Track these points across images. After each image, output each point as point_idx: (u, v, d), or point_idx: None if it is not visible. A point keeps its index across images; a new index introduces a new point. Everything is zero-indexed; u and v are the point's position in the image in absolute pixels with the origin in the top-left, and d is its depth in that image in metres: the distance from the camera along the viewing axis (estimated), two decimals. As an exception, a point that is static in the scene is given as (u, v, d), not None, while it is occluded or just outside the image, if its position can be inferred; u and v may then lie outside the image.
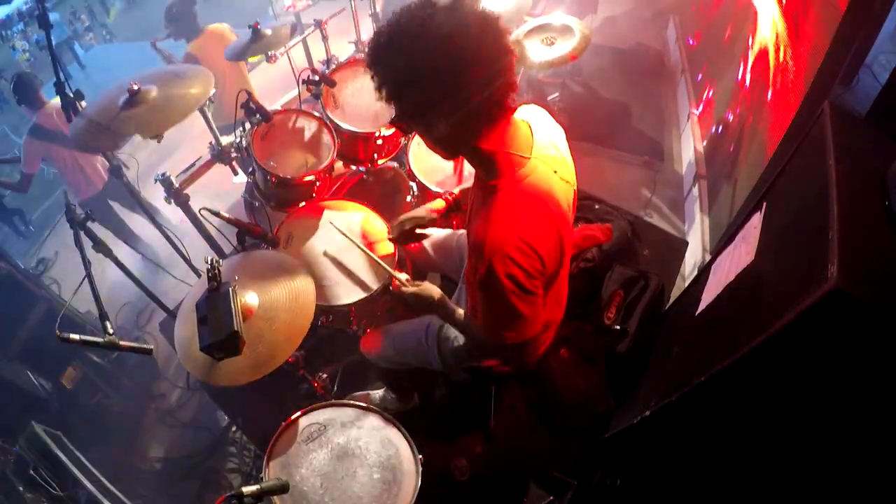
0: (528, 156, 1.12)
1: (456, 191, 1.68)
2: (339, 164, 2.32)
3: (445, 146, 1.15)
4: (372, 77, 1.05)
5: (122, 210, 3.18)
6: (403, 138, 2.23)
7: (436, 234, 1.88)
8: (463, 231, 1.87)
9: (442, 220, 1.67)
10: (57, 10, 8.67)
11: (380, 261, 1.65)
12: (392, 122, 1.14)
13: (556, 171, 1.17)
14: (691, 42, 4.15)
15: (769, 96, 2.36)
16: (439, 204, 1.65)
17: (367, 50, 1.06)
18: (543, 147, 1.17)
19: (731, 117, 2.98)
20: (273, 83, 3.76)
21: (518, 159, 1.11)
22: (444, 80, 0.98)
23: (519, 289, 1.08)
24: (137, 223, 3.22)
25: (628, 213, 2.61)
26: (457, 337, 1.56)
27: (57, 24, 8.50)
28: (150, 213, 2.27)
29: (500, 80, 1.02)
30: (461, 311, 1.39)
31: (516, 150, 1.11)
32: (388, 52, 1.01)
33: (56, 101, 2.77)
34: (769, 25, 2.50)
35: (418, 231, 1.64)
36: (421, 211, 1.64)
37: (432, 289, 1.44)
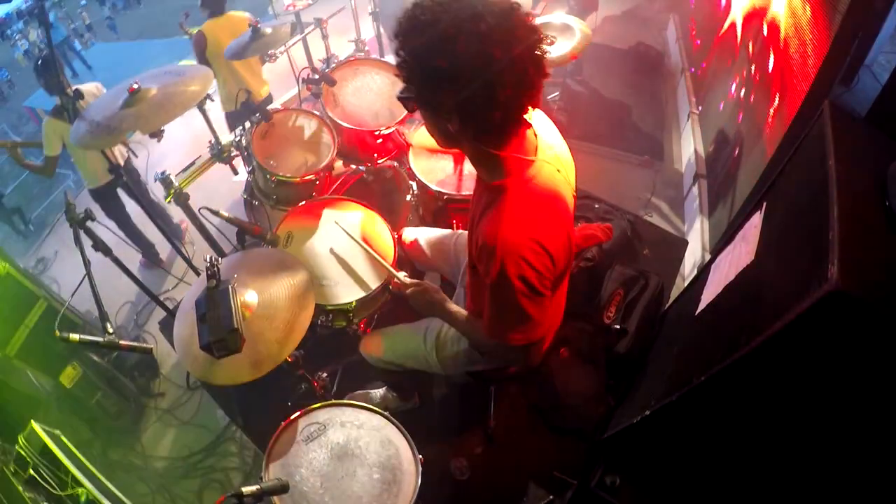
0: (533, 157, 1.11)
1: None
2: (338, 163, 2.32)
3: (441, 136, 1.12)
4: (398, 53, 1.00)
5: (127, 201, 3.16)
6: (403, 138, 2.23)
7: (433, 233, 1.87)
8: (461, 232, 1.86)
9: (441, 221, 1.66)
10: (52, 10, 8.67)
11: (380, 258, 1.65)
12: (400, 97, 1.09)
13: (559, 171, 1.16)
14: (697, 42, 4.14)
15: (769, 96, 2.36)
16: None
17: (403, 23, 0.98)
18: (547, 147, 1.17)
19: (731, 117, 2.98)
20: (273, 82, 3.76)
21: (525, 161, 1.10)
22: (446, 78, 0.95)
23: (530, 290, 1.07)
24: (141, 222, 3.21)
25: (628, 213, 2.61)
26: (456, 341, 1.56)
27: (54, 25, 8.51)
28: (152, 213, 2.27)
29: (529, 95, 1.00)
30: (463, 312, 1.39)
31: (523, 152, 1.11)
32: (409, 28, 0.96)
33: (81, 85, 2.78)
34: (769, 25, 2.50)
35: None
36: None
37: (433, 288, 1.44)
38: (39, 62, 2.73)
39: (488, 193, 1.14)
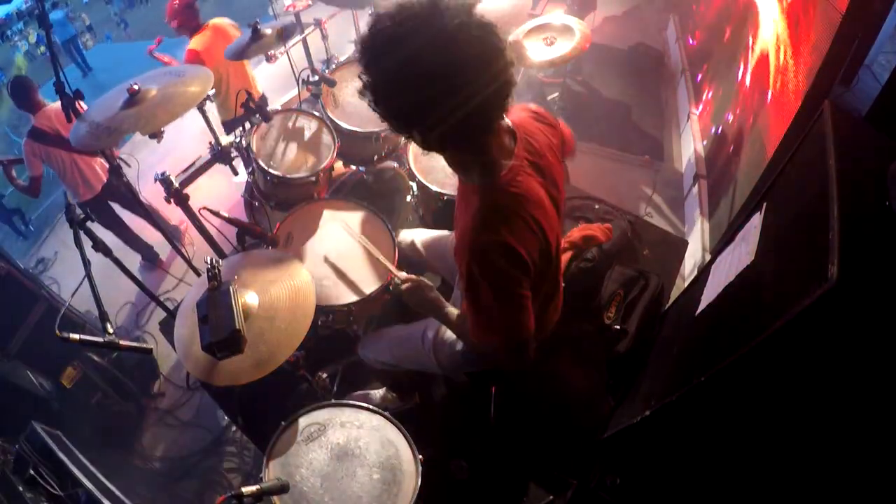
0: (509, 160, 1.11)
1: None
2: (338, 164, 2.32)
3: (420, 144, 1.12)
4: (360, 75, 1.01)
5: (121, 211, 3.17)
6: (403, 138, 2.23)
7: (429, 234, 1.87)
8: None
9: (442, 222, 1.66)
10: (60, 8, 8.67)
11: (380, 256, 1.65)
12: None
13: (540, 175, 1.15)
14: (691, 42, 4.15)
15: (769, 96, 2.36)
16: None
17: (361, 43, 1.00)
18: (527, 153, 1.15)
19: (731, 117, 2.98)
20: (273, 83, 3.76)
21: (500, 163, 1.10)
22: (438, 87, 0.95)
23: (501, 291, 1.06)
24: (138, 224, 3.22)
25: (628, 213, 2.61)
26: (454, 342, 1.56)
27: (62, 23, 8.50)
28: (150, 215, 2.27)
29: (497, 95, 1.00)
30: (455, 311, 1.38)
31: (499, 155, 1.10)
32: (384, 48, 0.97)
33: (55, 104, 2.81)
34: (770, 25, 2.50)
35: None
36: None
37: (427, 285, 1.43)
38: (10, 84, 2.76)
39: (466, 196, 1.15)
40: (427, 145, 1.07)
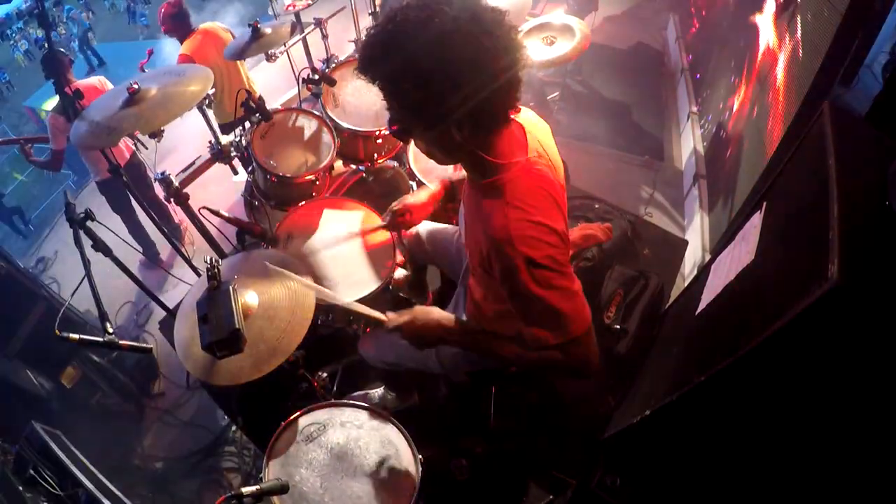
0: (523, 156, 1.11)
1: (454, 178, 1.68)
2: (338, 163, 2.32)
3: (443, 151, 1.12)
4: (373, 80, 1.01)
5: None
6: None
7: (434, 226, 1.87)
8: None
9: (441, 221, 1.66)
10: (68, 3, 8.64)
11: (362, 308, 1.32)
12: (389, 126, 1.10)
13: (550, 169, 1.16)
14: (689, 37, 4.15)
15: (769, 96, 2.36)
16: (435, 188, 1.64)
17: (363, 46, 1.00)
18: (538, 145, 1.16)
19: (731, 117, 2.98)
20: (273, 82, 3.76)
21: (516, 160, 1.10)
22: (450, 80, 0.95)
23: (560, 266, 1.03)
24: (144, 220, 3.21)
25: (628, 213, 2.61)
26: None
27: (79, 21, 8.50)
28: (150, 211, 2.27)
29: (509, 86, 1.00)
30: (469, 324, 1.31)
31: (514, 154, 1.11)
32: (391, 48, 0.96)
33: (84, 81, 2.80)
34: (770, 25, 2.50)
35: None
36: (414, 196, 1.63)
37: (429, 312, 1.26)
38: (43, 56, 2.78)
39: (481, 192, 1.13)
40: (464, 141, 1.05)
